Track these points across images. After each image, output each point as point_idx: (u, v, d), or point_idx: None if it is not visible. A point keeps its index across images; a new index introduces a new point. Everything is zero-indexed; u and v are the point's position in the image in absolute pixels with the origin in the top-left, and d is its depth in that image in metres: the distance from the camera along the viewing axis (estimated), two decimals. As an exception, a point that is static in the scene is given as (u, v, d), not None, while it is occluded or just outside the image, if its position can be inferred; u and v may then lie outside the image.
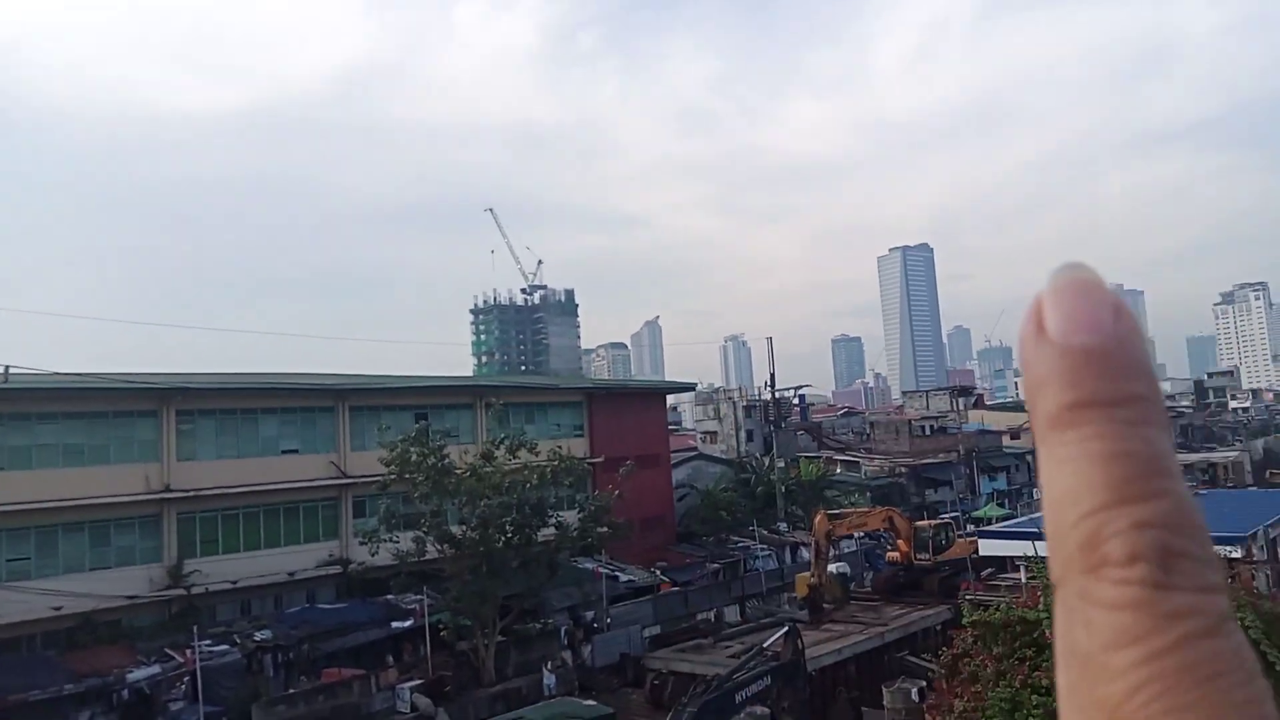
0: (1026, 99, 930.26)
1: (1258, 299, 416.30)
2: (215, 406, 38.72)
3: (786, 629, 31.02)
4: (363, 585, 37.76)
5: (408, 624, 35.37)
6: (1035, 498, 72.15)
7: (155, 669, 30.12)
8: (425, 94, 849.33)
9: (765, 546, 52.08)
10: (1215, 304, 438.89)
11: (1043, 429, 0.56)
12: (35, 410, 34.26)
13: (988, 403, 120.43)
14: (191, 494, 36.48)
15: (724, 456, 67.18)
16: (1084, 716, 0.50)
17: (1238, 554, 23.73)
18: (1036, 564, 19.49)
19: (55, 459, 34.49)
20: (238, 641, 32.44)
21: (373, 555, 31.84)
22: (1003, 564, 36.45)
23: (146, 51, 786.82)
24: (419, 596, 34.89)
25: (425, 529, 31.70)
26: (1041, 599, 14.92)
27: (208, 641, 31.43)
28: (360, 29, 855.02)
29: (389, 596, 36.40)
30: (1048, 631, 14.04)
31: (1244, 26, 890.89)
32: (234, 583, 36.41)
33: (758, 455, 67.47)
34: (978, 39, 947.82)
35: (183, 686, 30.01)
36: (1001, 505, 66.61)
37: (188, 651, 30.44)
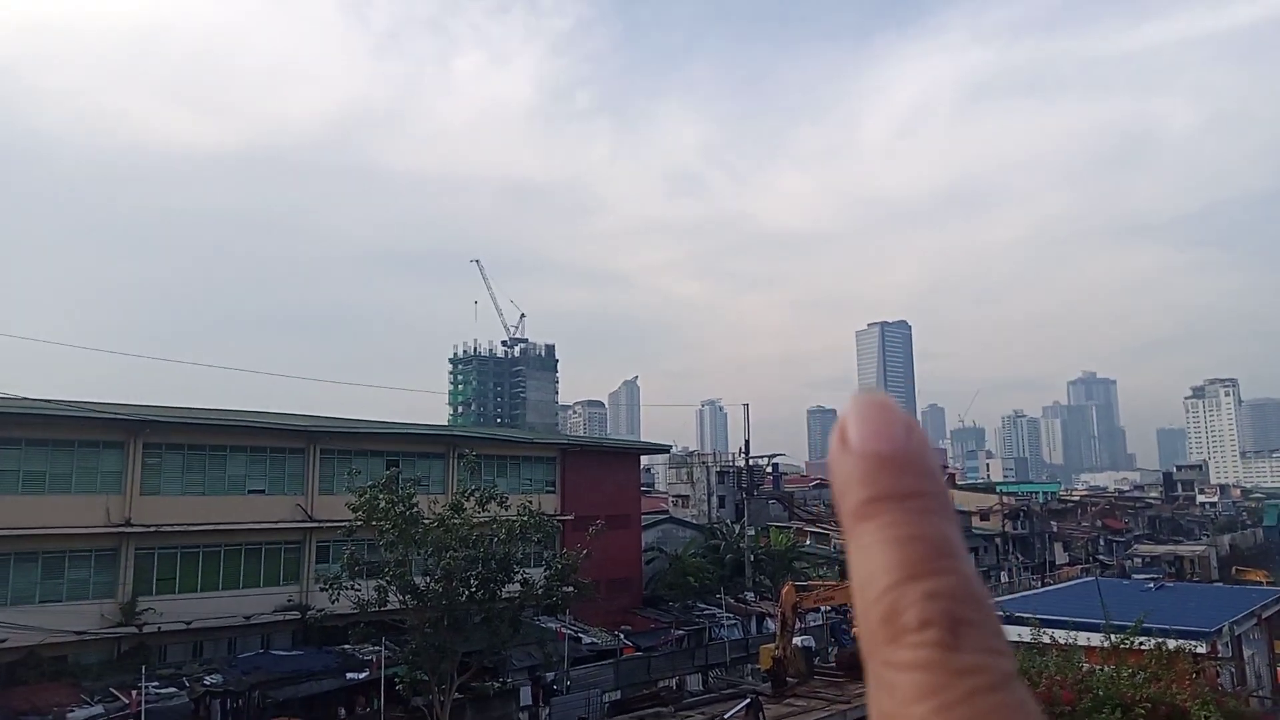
0: (1007, 183, 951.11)
1: (1228, 395, 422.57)
2: (183, 441, 38.20)
3: (748, 701, 30.62)
4: (320, 633, 36.95)
5: (363, 675, 34.60)
6: (1003, 581, 72.08)
7: (98, 709, 29.22)
8: (419, 141, 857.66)
9: (731, 615, 51.55)
10: (1186, 397, 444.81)
11: (848, 524, 0.65)
12: (-1, 434, 33.68)
13: (959, 483, 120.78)
14: (152, 529, 35.79)
15: (695, 521, 66.77)
16: None
17: (1203, 649, 23.71)
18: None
19: (14, 485, 33.80)
20: (186, 684, 31.58)
21: (333, 602, 31.18)
22: (969, 646, 36.18)
23: (141, 83, 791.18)
24: (376, 648, 34.17)
25: (389, 578, 31.16)
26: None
27: (155, 683, 30.58)
28: (358, 73, 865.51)
29: (346, 646, 35.62)
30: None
31: (1220, 126, 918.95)
32: (188, 623, 35.56)
33: (729, 522, 67.09)
34: (962, 122, 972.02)
35: (125, 729, 29.10)
36: (969, 586, 66.28)
37: (133, 692, 29.58)
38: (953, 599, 0.60)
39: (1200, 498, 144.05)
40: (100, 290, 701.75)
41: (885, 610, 0.61)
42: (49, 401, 35.87)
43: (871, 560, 0.62)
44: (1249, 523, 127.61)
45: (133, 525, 35.49)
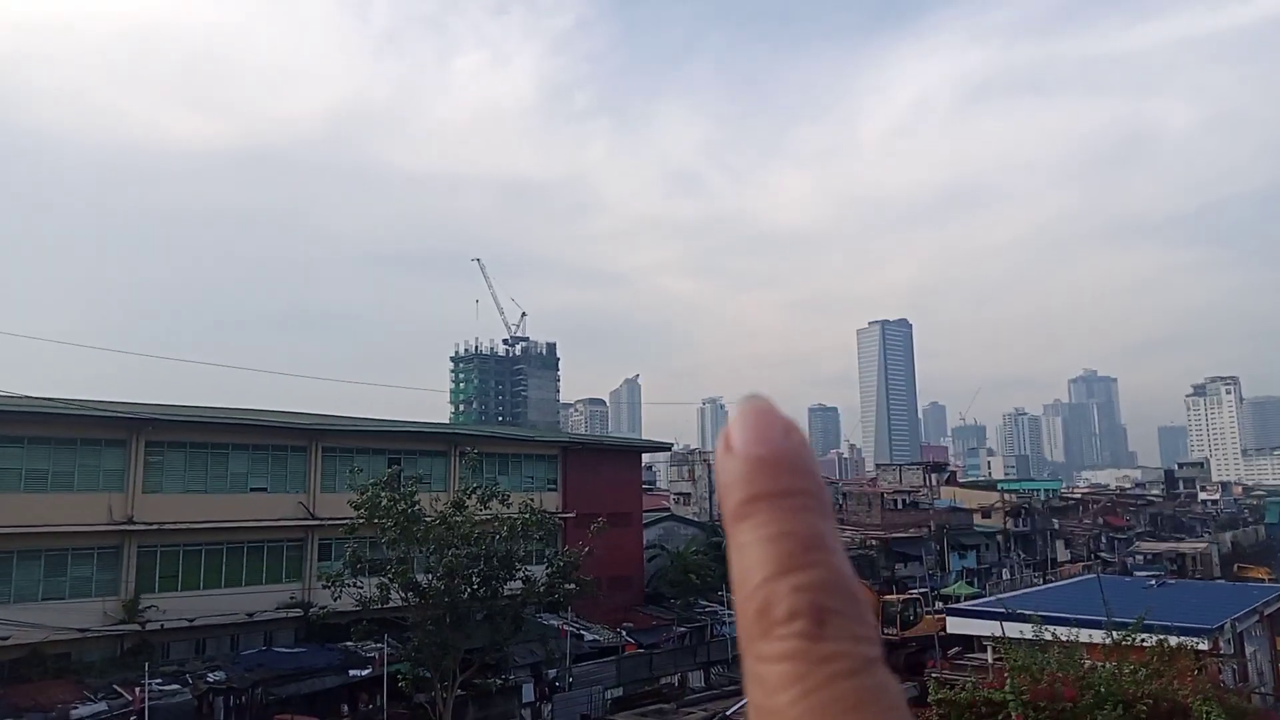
0: (1006, 181, 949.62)
1: (1229, 393, 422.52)
2: (185, 440, 38.26)
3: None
4: (322, 630, 37.02)
5: (366, 672, 34.68)
6: (1005, 578, 72.11)
7: (102, 706, 29.30)
8: (419, 140, 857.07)
9: (733, 612, 51.50)
10: (1187, 395, 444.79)
11: (729, 524, 0.68)
12: (1, 433, 33.71)
13: (960, 480, 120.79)
14: (155, 527, 35.86)
15: (696, 519, 66.82)
16: None
17: (1204, 646, 23.72)
18: (1004, 645, 19.41)
19: (17, 483, 33.87)
20: (189, 682, 31.65)
21: (335, 600, 31.26)
22: (970, 643, 36.22)
23: (140, 82, 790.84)
24: (379, 645, 34.24)
25: (390, 576, 31.23)
26: (1008, 680, 14.85)
27: (159, 680, 30.65)
28: (358, 72, 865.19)
29: (348, 643, 35.69)
30: (1014, 713, 13.97)
31: (1218, 126, 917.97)
32: (190, 621, 35.63)
33: (730, 520, 67.00)
34: (961, 122, 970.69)
35: (129, 726, 29.17)
36: (971, 583, 66.36)
37: (137, 690, 29.65)
38: (819, 590, 0.63)
39: (1202, 495, 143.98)
40: (101, 289, 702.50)
41: (758, 605, 0.64)
42: (51, 400, 35.92)
43: (747, 558, 0.65)
44: (1250, 520, 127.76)
45: (135, 523, 35.55)
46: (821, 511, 0.68)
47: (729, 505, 0.68)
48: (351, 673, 34.60)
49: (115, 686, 30.56)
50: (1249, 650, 31.82)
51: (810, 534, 0.65)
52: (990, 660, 29.13)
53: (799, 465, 0.68)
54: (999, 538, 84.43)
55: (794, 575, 0.63)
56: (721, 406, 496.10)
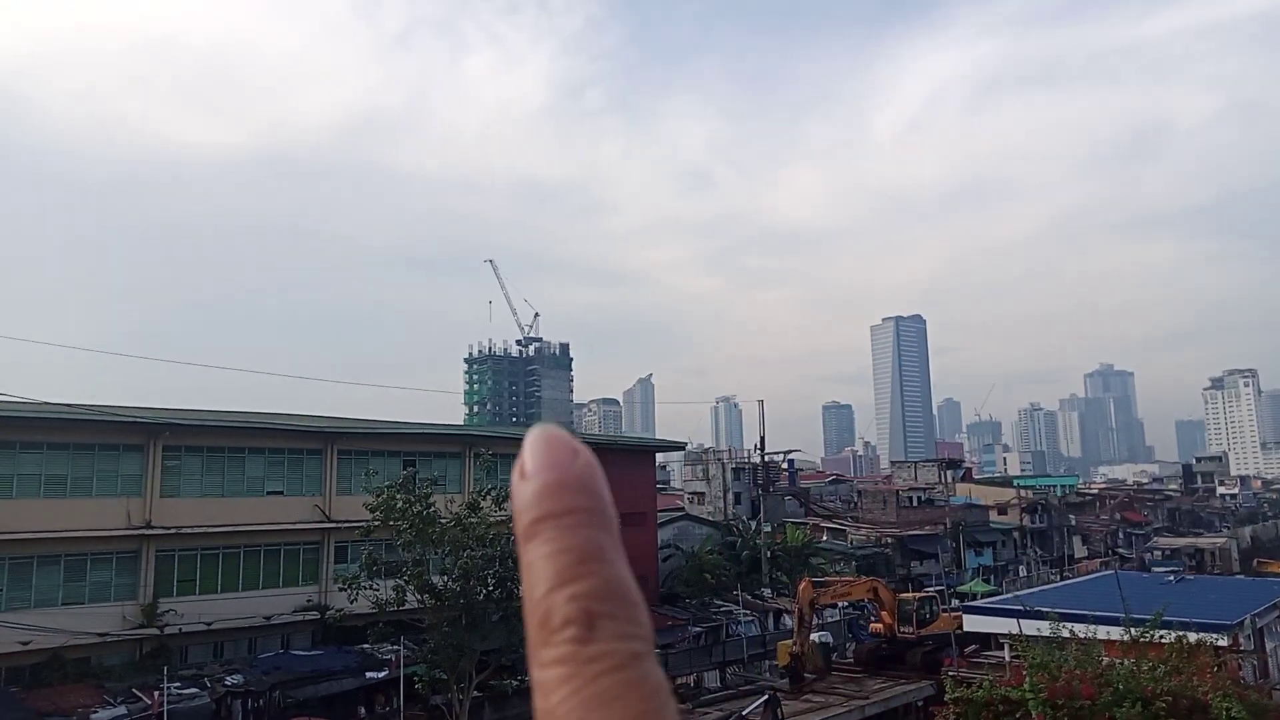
0: (1021, 175, 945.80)
1: (1247, 386, 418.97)
2: (202, 444, 38.48)
3: (766, 697, 30.61)
4: (339, 633, 37.15)
5: (382, 675, 34.78)
6: (1022, 575, 71.77)
7: (121, 710, 29.49)
8: (431, 143, 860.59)
9: (748, 612, 51.53)
10: (1205, 389, 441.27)
11: (520, 545, 0.72)
12: (19, 439, 33.98)
13: (976, 477, 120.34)
14: (172, 531, 36.08)
15: (711, 518, 66.74)
16: None
17: (1224, 642, 23.55)
18: (1022, 642, 19.32)
19: (36, 489, 34.14)
20: (208, 685, 31.82)
21: (352, 602, 31.37)
22: (986, 641, 36.09)
23: (153, 88, 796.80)
24: (395, 647, 34.32)
25: (406, 578, 31.30)
26: (1026, 679, 14.79)
27: (177, 684, 30.82)
28: (370, 75, 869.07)
29: (365, 646, 35.80)
30: (1033, 711, 13.90)
31: (1236, 116, 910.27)
32: (208, 624, 35.83)
33: (744, 519, 67.05)
34: (973, 115, 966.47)
35: (148, 729, 29.35)
36: (987, 581, 66.11)
37: (156, 693, 29.83)
38: (591, 597, 0.68)
39: (1220, 489, 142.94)
40: (117, 294, 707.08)
41: (539, 617, 0.69)
42: (69, 406, 36.20)
43: (533, 574, 0.70)
44: (1270, 514, 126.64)
45: (153, 527, 35.78)
46: (602, 526, 0.73)
47: (519, 527, 0.73)
48: (368, 675, 34.71)
49: (134, 690, 30.76)
50: (1269, 646, 31.58)
51: (588, 547, 0.70)
52: (1008, 658, 29.02)
53: (582, 485, 0.74)
54: (1015, 534, 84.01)
55: (570, 586, 0.69)
56: (735, 405, 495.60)
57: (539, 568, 0.70)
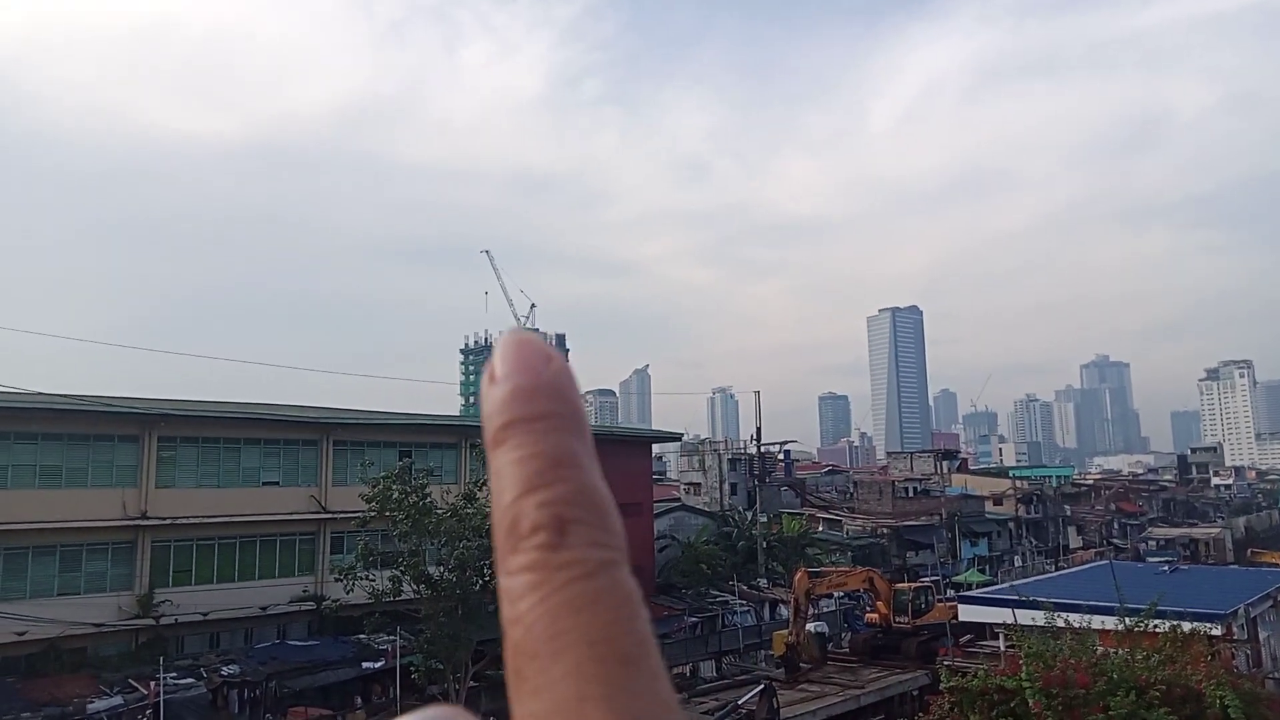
0: (1019, 165, 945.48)
1: (1242, 377, 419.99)
2: (198, 434, 38.43)
3: (762, 687, 30.69)
4: (335, 623, 37.20)
5: (379, 665, 34.82)
6: (1017, 565, 71.98)
7: (118, 700, 29.50)
8: (427, 132, 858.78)
9: (744, 602, 51.64)
10: (1201, 379, 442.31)
11: (488, 452, 0.69)
12: (14, 429, 33.90)
13: (972, 467, 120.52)
14: (168, 522, 36.06)
15: (707, 509, 66.81)
16: (508, 666, 0.64)
17: (1218, 632, 23.63)
18: (1017, 632, 19.38)
19: (31, 480, 34.08)
20: (204, 675, 31.85)
21: (348, 593, 31.41)
22: (982, 631, 36.17)
23: (149, 78, 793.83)
24: (391, 637, 34.37)
25: (402, 568, 31.35)
26: (1021, 668, 14.81)
27: (173, 674, 30.86)
28: (366, 65, 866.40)
29: (361, 636, 35.84)
30: (1030, 701, 13.93)
31: (1234, 106, 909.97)
32: (204, 615, 35.84)
33: (741, 509, 67.14)
34: (971, 105, 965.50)
35: (145, 719, 29.37)
36: (982, 571, 66.29)
37: (152, 684, 29.85)
38: (562, 503, 0.65)
39: (1215, 480, 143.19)
40: (110, 285, 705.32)
41: (508, 523, 0.66)
42: (64, 396, 36.11)
43: (501, 481, 0.67)
44: (1264, 505, 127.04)
45: (149, 518, 35.75)
46: (575, 432, 0.69)
47: (488, 432, 0.69)
48: (365, 665, 34.75)
49: (130, 681, 30.78)
50: (1263, 635, 31.70)
51: (559, 452, 0.67)
52: (1003, 648, 29.08)
53: (555, 390, 0.70)
54: (1011, 525, 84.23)
55: (541, 491, 0.66)
56: (731, 396, 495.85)
57: (508, 473, 0.67)
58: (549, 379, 0.71)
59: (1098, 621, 19.42)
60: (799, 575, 39.74)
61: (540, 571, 0.64)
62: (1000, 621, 29.40)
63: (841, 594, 47.65)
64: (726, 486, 72.02)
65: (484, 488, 33.20)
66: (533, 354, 0.72)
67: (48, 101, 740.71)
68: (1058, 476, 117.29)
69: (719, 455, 75.55)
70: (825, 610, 47.71)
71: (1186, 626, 18.08)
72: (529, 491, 0.66)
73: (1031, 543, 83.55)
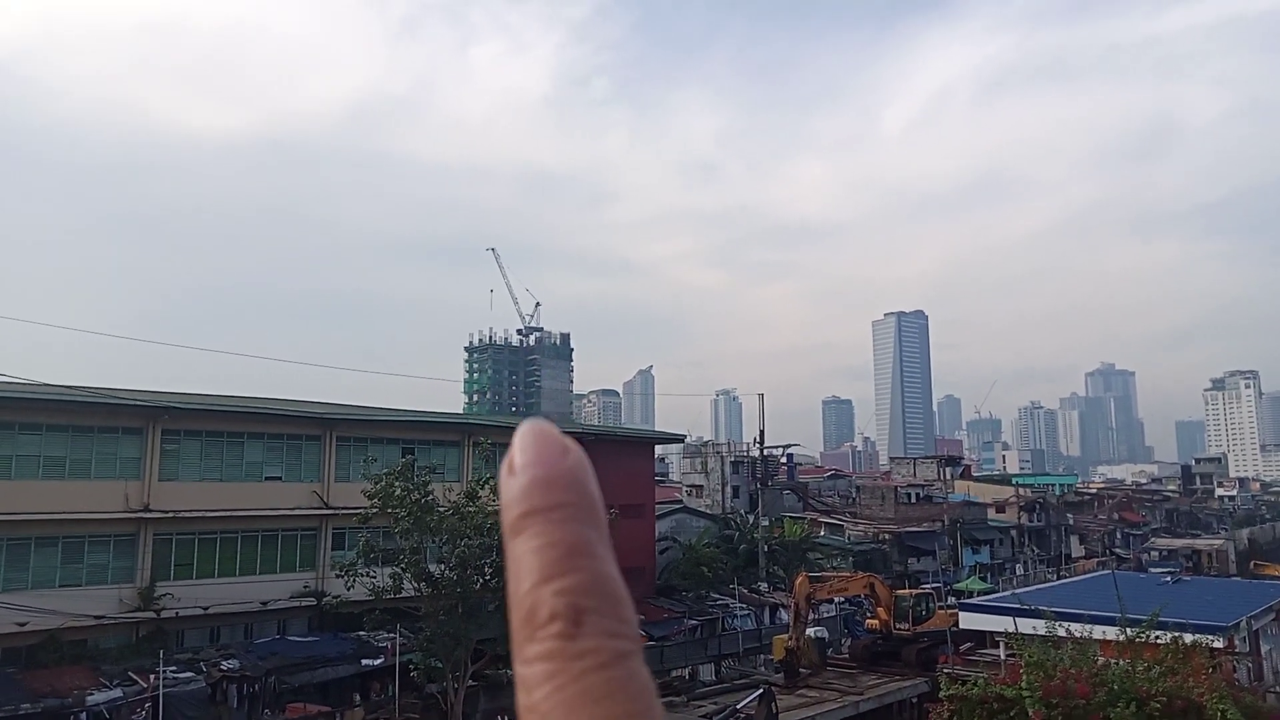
0: (1027, 172, 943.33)
1: (1248, 387, 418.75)
2: (201, 428, 38.48)
3: (761, 691, 30.65)
4: (335, 619, 37.22)
5: (378, 662, 34.82)
6: (1019, 573, 71.80)
7: (117, 693, 29.53)
8: (437, 130, 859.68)
9: (745, 606, 51.58)
10: (1206, 390, 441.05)
11: (506, 540, 0.72)
12: (18, 420, 33.97)
13: (975, 474, 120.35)
14: (170, 515, 36.10)
15: (709, 511, 66.79)
16: None
17: (1220, 644, 23.55)
18: (1018, 641, 19.31)
19: (34, 471, 34.14)
20: (204, 669, 31.87)
21: (349, 589, 31.41)
22: (982, 639, 36.12)
23: (159, 72, 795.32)
24: (391, 635, 34.37)
25: (403, 566, 31.34)
26: (1021, 677, 14.77)
27: (173, 667, 30.89)
28: (374, 62, 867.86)
29: (361, 633, 35.86)
30: (1028, 710, 13.89)
31: (1246, 115, 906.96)
32: (205, 608, 35.87)
33: (742, 512, 67.09)
34: (983, 110, 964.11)
35: (143, 713, 29.40)
36: (984, 579, 66.11)
37: (151, 677, 29.88)
38: (578, 593, 0.68)
39: (1219, 491, 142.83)
40: (118, 277, 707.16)
41: (524, 611, 0.68)
42: (69, 388, 36.19)
43: (518, 568, 0.70)
44: (1268, 516, 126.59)
45: (151, 511, 35.80)
46: (590, 521, 0.72)
47: (507, 521, 0.72)
48: (364, 662, 34.75)
49: (130, 673, 30.81)
50: (1264, 648, 31.60)
51: (575, 542, 0.70)
52: (1003, 656, 29.02)
53: (571, 481, 0.73)
54: (1013, 533, 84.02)
55: (557, 580, 0.68)
56: (735, 399, 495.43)
57: (525, 562, 0.69)
58: (565, 470, 0.73)
59: (1099, 631, 19.36)
60: (800, 580, 39.69)
61: (556, 661, 0.65)
62: (1001, 630, 29.32)
63: (842, 599, 47.56)
64: (728, 489, 71.97)
65: (486, 486, 33.22)
66: (550, 445, 0.74)
67: (60, 95, 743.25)
68: (1061, 485, 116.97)
69: (721, 458, 75.49)
70: (825, 615, 47.63)
71: (1188, 638, 18.01)
72: (545, 580, 0.68)
73: (1033, 551, 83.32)
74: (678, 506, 63.63)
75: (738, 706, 29.86)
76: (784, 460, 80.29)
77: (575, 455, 0.75)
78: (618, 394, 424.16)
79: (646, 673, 0.68)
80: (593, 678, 0.65)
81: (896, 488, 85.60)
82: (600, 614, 0.68)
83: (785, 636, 38.64)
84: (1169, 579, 40.21)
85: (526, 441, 0.74)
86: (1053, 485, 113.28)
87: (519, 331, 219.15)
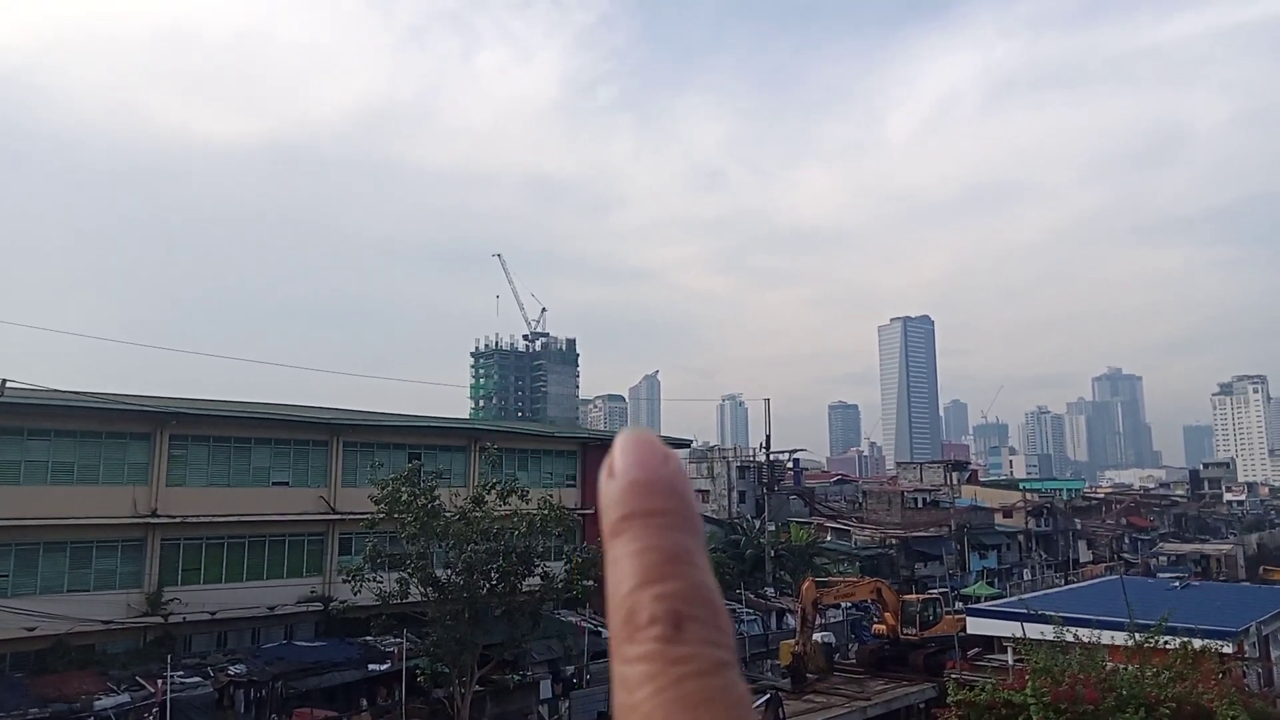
0: (1034, 178, 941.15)
1: (1256, 392, 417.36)
2: (209, 434, 38.57)
3: (768, 697, 30.58)
4: (342, 624, 37.25)
5: (385, 667, 34.82)
6: (1026, 578, 71.59)
7: (124, 698, 29.56)
8: (443, 136, 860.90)
9: (751, 611, 51.49)
10: (1214, 394, 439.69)
11: (605, 541, 0.74)
12: (28, 426, 34.10)
13: (981, 479, 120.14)
14: (178, 520, 36.18)
15: (715, 516, 66.73)
16: None
17: (1229, 649, 23.46)
18: (1025, 646, 19.25)
19: (43, 476, 34.25)
20: (211, 674, 31.90)
21: (355, 594, 31.43)
22: (990, 644, 36.01)
23: (167, 79, 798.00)
24: (398, 640, 34.39)
25: (410, 570, 31.37)
26: (1029, 682, 14.73)
27: (180, 673, 30.91)
28: (381, 69, 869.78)
29: (368, 638, 35.88)
30: (1034, 716, 13.85)
31: (1252, 121, 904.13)
32: (212, 614, 35.93)
33: (749, 517, 67.03)
34: (988, 117, 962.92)
35: (151, 718, 29.44)
36: (991, 584, 65.96)
37: (159, 682, 29.91)
38: (678, 599, 0.69)
39: (1227, 496, 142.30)
40: (127, 284, 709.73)
41: (625, 613, 0.69)
42: (77, 394, 36.31)
43: (618, 570, 0.71)
44: (1277, 521, 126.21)
45: (159, 516, 35.88)
46: (689, 529, 0.73)
47: (606, 524, 0.74)
48: (371, 667, 34.75)
49: (138, 678, 30.85)
50: (1275, 654, 31.45)
51: (675, 549, 0.71)
52: (1010, 661, 28.95)
53: (671, 488, 0.74)
54: (1020, 538, 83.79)
55: (657, 585, 0.69)
56: (741, 404, 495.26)
57: (624, 564, 0.71)
58: (666, 476, 0.75)
59: (1107, 637, 19.32)
60: (806, 585, 39.63)
61: (656, 663, 0.67)
62: (1009, 635, 29.24)
63: (849, 604, 47.47)
64: (735, 494, 71.92)
65: (492, 491, 33.25)
66: (650, 451, 0.76)
67: (67, 102, 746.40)
68: (1068, 489, 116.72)
69: (728, 463, 75.47)
70: (832, 620, 47.54)
71: (1197, 644, 17.95)
72: (646, 584, 0.70)
73: (1041, 556, 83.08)
74: (684, 511, 63.48)
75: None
76: (790, 465, 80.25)
77: (675, 463, 0.76)
78: (624, 399, 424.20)
79: (744, 685, 0.69)
80: (692, 684, 0.66)
81: (903, 493, 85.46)
82: (700, 622, 0.69)
83: (792, 642, 38.57)
84: (1177, 584, 40.05)
85: (627, 446, 0.76)
86: (1060, 490, 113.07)
87: (525, 337, 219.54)
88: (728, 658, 0.69)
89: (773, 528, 61.52)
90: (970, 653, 36.94)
